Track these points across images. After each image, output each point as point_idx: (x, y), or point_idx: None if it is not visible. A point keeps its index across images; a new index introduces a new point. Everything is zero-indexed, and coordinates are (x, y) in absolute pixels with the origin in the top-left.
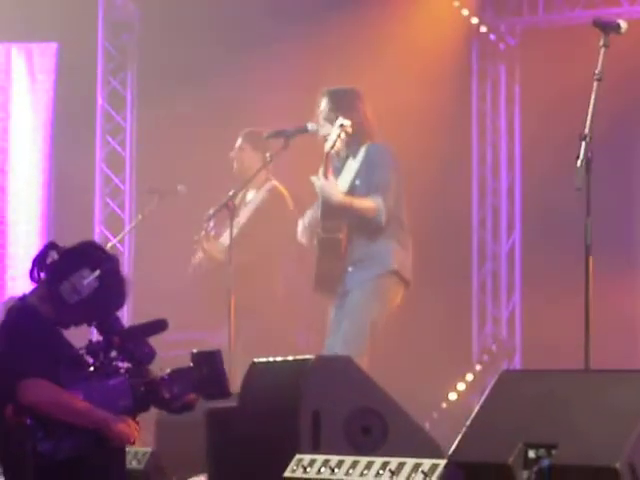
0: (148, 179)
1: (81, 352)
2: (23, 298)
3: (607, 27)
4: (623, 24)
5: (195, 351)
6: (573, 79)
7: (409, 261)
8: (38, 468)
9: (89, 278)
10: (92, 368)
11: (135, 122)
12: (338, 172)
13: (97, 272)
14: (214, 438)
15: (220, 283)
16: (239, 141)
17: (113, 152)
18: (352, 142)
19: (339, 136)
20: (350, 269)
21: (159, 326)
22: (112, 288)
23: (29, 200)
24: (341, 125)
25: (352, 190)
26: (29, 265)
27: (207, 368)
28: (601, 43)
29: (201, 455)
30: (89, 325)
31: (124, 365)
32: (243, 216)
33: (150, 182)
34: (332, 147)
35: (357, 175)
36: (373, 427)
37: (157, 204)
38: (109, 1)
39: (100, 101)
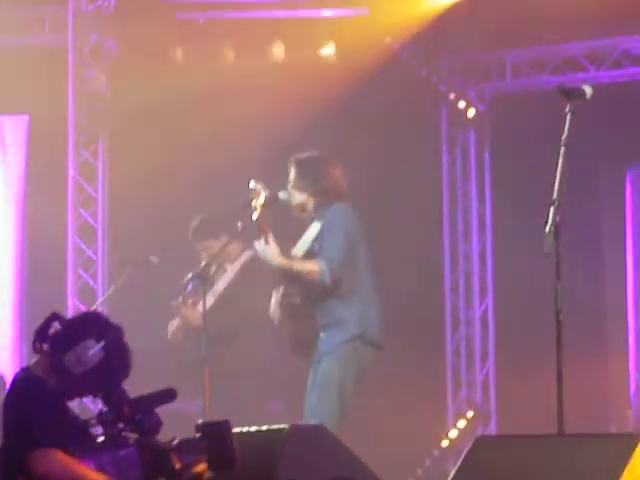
0: (121, 250)
1: (91, 422)
2: (26, 369)
3: (571, 93)
4: (588, 89)
5: (201, 422)
6: (541, 144)
7: (375, 321)
8: None
9: (94, 349)
10: (102, 439)
11: (107, 193)
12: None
13: (102, 342)
14: None
15: (196, 351)
16: (199, 244)
17: (85, 224)
18: (321, 206)
19: (256, 202)
20: (322, 334)
21: (168, 396)
22: (117, 358)
23: (1, 273)
24: (253, 190)
25: (310, 253)
26: (1, 339)
27: (216, 438)
28: (567, 109)
29: None
30: (94, 396)
31: (133, 435)
32: (222, 283)
33: (122, 253)
34: (257, 215)
35: (316, 238)
36: None
37: (130, 275)
38: (80, 73)
39: (72, 173)
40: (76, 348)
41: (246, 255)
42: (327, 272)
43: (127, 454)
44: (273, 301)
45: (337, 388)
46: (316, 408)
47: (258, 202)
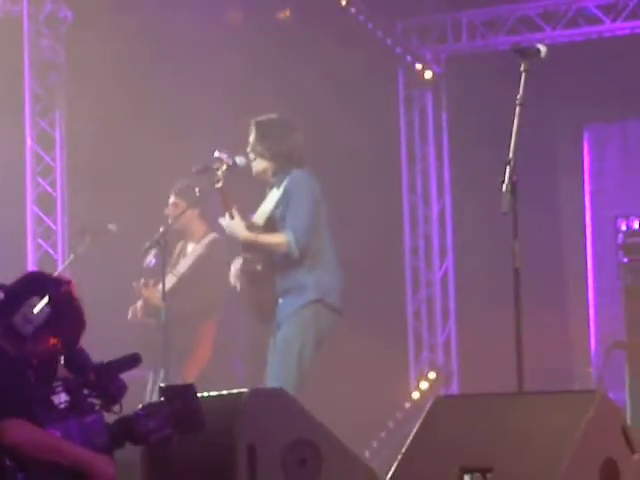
0: (80, 219)
1: (56, 389)
2: None
3: (526, 53)
4: (543, 49)
5: (164, 385)
6: (498, 104)
7: (336, 287)
8: None
9: (39, 305)
10: (66, 405)
11: (65, 162)
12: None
13: (46, 298)
14: (151, 473)
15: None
16: (172, 198)
17: (44, 193)
18: (279, 171)
19: (219, 170)
20: (280, 301)
21: (133, 362)
22: (66, 311)
23: None
24: (218, 159)
25: (271, 221)
26: None
27: (181, 402)
28: (522, 68)
29: None
30: (53, 356)
31: (98, 402)
32: (182, 265)
33: (82, 222)
34: (219, 183)
35: (277, 205)
36: (309, 458)
37: (89, 244)
38: (35, 43)
39: (29, 142)
40: (21, 309)
41: (210, 236)
42: (294, 243)
43: (93, 420)
44: (233, 269)
45: (297, 352)
46: (276, 372)
47: (221, 171)
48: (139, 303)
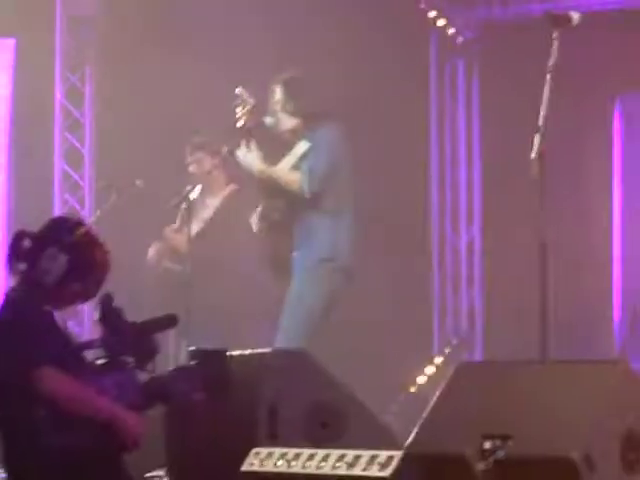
0: (107, 175)
1: (94, 345)
2: (11, 292)
3: (558, 20)
4: (575, 16)
5: (195, 348)
6: (531, 72)
7: (349, 247)
8: (45, 467)
9: (56, 254)
10: (102, 362)
11: (94, 118)
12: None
13: (61, 245)
14: (173, 432)
15: (181, 277)
16: (193, 155)
17: (72, 148)
18: (310, 126)
19: (242, 107)
20: (294, 254)
21: (170, 321)
22: (84, 257)
23: None
24: (239, 96)
25: (294, 168)
26: None
27: (213, 366)
28: (554, 36)
29: (160, 449)
30: (84, 302)
31: (131, 360)
32: (205, 213)
33: (109, 178)
34: (240, 121)
35: (303, 156)
36: (330, 420)
37: (116, 199)
38: None
39: (58, 97)
40: (41, 260)
41: (229, 188)
42: (307, 183)
43: (127, 378)
44: (254, 217)
45: (307, 307)
46: (285, 329)
47: (243, 110)
48: (158, 246)
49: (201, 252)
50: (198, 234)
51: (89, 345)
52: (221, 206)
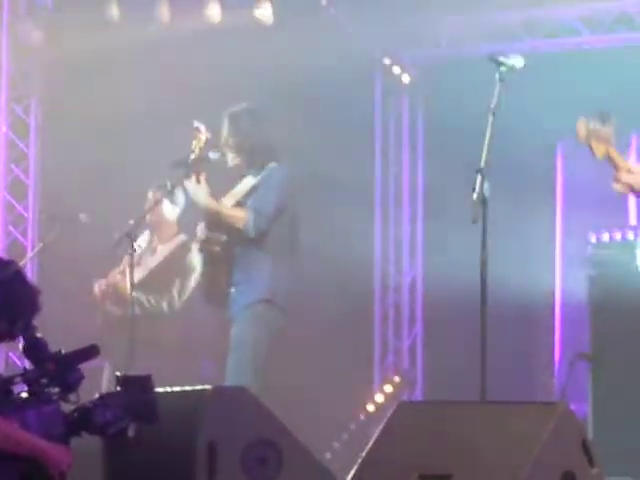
0: (51, 207)
1: (16, 380)
2: None
3: (502, 62)
4: (520, 59)
5: (121, 374)
6: (474, 112)
7: (287, 289)
8: None
9: None
10: (24, 395)
11: (39, 150)
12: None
13: None
14: (111, 467)
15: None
16: (151, 193)
17: (16, 180)
18: (256, 164)
19: (196, 140)
20: (232, 290)
21: (91, 352)
22: (14, 296)
23: None
24: (196, 129)
25: (239, 205)
26: None
27: (138, 391)
28: (497, 77)
29: None
30: (10, 341)
31: (56, 392)
32: (152, 261)
33: (53, 210)
34: (195, 156)
35: (248, 194)
36: (269, 458)
37: (59, 232)
38: (14, 27)
39: (4, 129)
40: None
41: (180, 238)
42: (252, 222)
43: (51, 410)
44: (194, 247)
45: (250, 349)
46: (232, 371)
47: (198, 144)
48: (104, 286)
49: (143, 296)
50: (142, 281)
51: (11, 380)
52: (170, 255)
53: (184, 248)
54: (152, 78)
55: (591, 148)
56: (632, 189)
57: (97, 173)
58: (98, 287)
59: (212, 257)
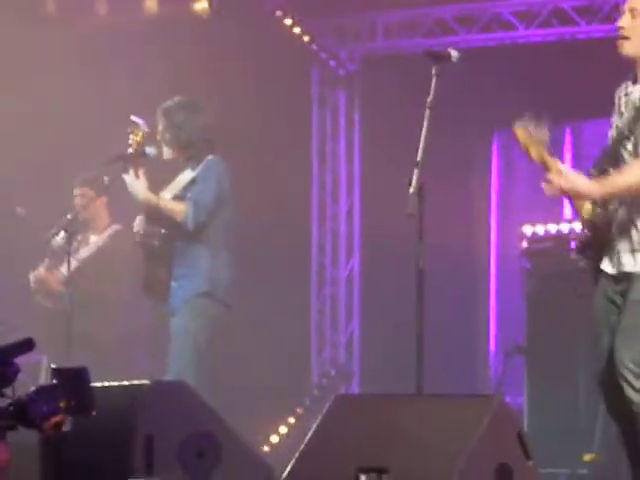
0: None
1: None
2: None
3: (438, 56)
4: (454, 53)
5: (56, 367)
6: (411, 105)
7: (228, 281)
8: None
9: None
10: None
11: None
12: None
13: None
14: (48, 463)
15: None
16: (77, 189)
17: None
18: (193, 157)
19: (133, 134)
20: (173, 283)
21: (26, 346)
22: None
23: None
24: (134, 123)
25: (177, 198)
26: None
27: (73, 384)
28: (433, 72)
29: (36, 478)
30: None
31: None
32: (84, 252)
33: None
34: (133, 150)
35: (187, 186)
36: (207, 451)
37: None
38: None
39: None
40: None
41: (113, 228)
42: (192, 215)
43: None
44: (135, 230)
45: (191, 341)
46: (174, 363)
47: (136, 138)
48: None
49: (78, 289)
50: (75, 272)
51: None
52: (103, 245)
53: (117, 238)
54: (89, 72)
55: (528, 152)
56: (560, 190)
57: (33, 167)
58: (32, 277)
59: (151, 251)
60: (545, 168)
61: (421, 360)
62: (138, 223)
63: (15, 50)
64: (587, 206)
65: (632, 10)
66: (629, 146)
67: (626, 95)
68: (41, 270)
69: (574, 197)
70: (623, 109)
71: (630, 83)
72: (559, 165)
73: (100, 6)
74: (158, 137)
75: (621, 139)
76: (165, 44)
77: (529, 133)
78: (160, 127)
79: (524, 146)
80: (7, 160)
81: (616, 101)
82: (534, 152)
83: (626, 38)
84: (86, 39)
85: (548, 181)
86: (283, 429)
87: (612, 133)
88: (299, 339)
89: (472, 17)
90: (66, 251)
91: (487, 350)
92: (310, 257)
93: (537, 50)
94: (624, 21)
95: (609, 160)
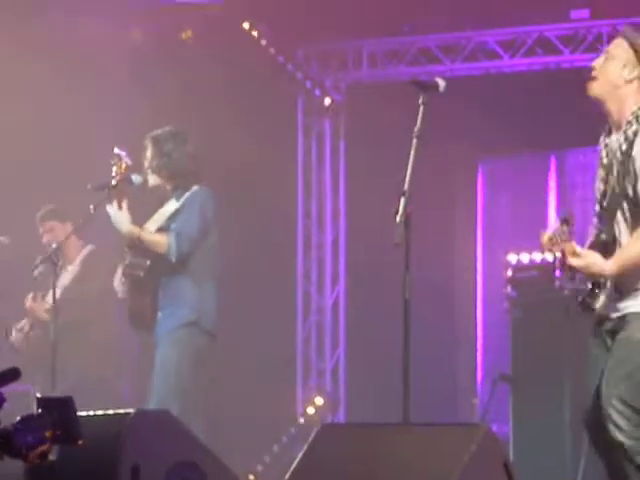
0: None
1: None
2: None
3: (424, 86)
4: (441, 82)
5: (41, 397)
6: (396, 135)
7: (213, 310)
8: None
9: None
10: None
11: None
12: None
13: None
14: None
15: (43, 339)
16: (44, 225)
17: None
18: (179, 187)
19: (115, 166)
20: (159, 313)
21: (11, 375)
22: None
23: None
24: (117, 155)
25: (162, 230)
26: None
27: (59, 413)
28: (420, 101)
29: None
30: None
31: None
32: (65, 279)
33: None
34: (113, 181)
35: (171, 217)
36: None
37: None
38: None
39: None
40: None
41: (86, 250)
42: (174, 246)
43: None
44: (118, 272)
45: (173, 373)
46: (155, 393)
47: (119, 169)
48: (23, 322)
49: (62, 318)
50: (58, 301)
51: None
52: (80, 270)
53: (93, 259)
54: (71, 97)
55: (551, 251)
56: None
57: (18, 196)
58: (31, 301)
59: (137, 282)
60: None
61: (407, 389)
62: (117, 278)
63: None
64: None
65: (606, 52)
66: (625, 204)
67: (606, 146)
68: (29, 299)
69: (587, 275)
70: (605, 161)
71: (605, 135)
72: (574, 246)
73: (86, 34)
74: (145, 164)
75: (615, 197)
76: (148, 73)
77: (553, 238)
78: (148, 155)
79: (547, 248)
80: None
81: (599, 152)
82: (555, 250)
83: (594, 79)
84: (70, 66)
85: (563, 264)
86: (267, 457)
87: (599, 186)
88: (285, 367)
89: (457, 46)
90: (50, 280)
91: (474, 379)
92: (296, 285)
93: (522, 79)
94: (597, 61)
95: (606, 218)
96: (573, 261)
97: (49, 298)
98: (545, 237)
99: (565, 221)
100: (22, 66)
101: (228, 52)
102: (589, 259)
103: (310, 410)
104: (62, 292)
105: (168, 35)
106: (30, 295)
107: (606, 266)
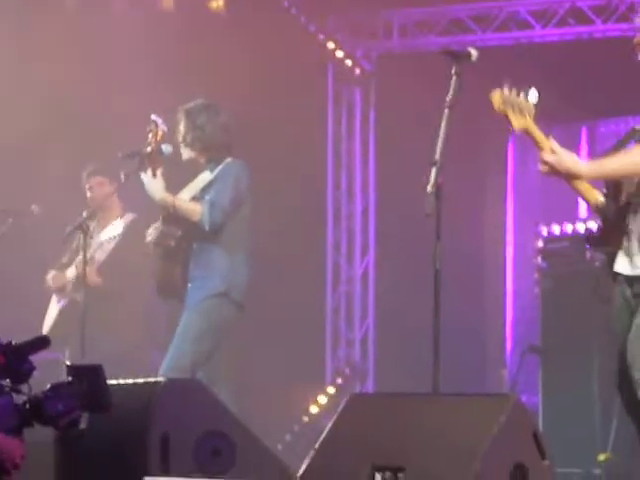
0: (3, 199)
1: None
2: None
3: (457, 55)
4: (474, 52)
5: (71, 364)
6: (427, 105)
7: (244, 282)
8: None
9: None
10: None
11: None
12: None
13: None
14: (63, 459)
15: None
16: (92, 180)
17: None
18: (213, 159)
19: (151, 133)
20: (189, 284)
21: (42, 343)
22: None
23: None
24: (153, 122)
25: (195, 199)
26: None
27: (89, 381)
28: (452, 71)
29: (50, 476)
30: None
31: (7, 384)
32: (107, 242)
33: (4, 202)
34: (151, 149)
35: (205, 188)
36: (222, 450)
37: (11, 224)
38: None
39: None
40: None
41: (129, 217)
42: (208, 216)
43: (3, 403)
44: (149, 239)
45: (194, 332)
46: (170, 356)
47: (155, 136)
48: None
49: (106, 281)
50: (102, 264)
51: None
52: (124, 234)
53: (134, 227)
54: (98, 66)
55: (507, 117)
56: (553, 169)
57: (49, 164)
58: (52, 279)
59: (167, 251)
60: (535, 144)
61: (437, 360)
62: (152, 231)
63: (36, 48)
64: (595, 195)
65: None
66: None
67: None
68: (52, 274)
69: (567, 177)
70: None
71: None
72: (552, 143)
73: (116, 3)
74: (178, 138)
75: None
76: (179, 42)
77: (508, 97)
78: (181, 128)
79: (501, 110)
80: (21, 158)
81: None
82: (514, 119)
83: None
84: (103, 36)
85: (541, 160)
86: (296, 427)
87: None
88: (314, 337)
89: (488, 16)
90: (82, 249)
91: (503, 350)
92: (325, 256)
93: (553, 49)
94: None
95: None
96: (547, 156)
97: (80, 267)
98: (496, 95)
99: (524, 90)
100: (57, 34)
101: (258, 21)
102: (564, 155)
103: (339, 380)
104: (106, 257)
105: (199, 4)
106: (60, 264)
107: (581, 165)
